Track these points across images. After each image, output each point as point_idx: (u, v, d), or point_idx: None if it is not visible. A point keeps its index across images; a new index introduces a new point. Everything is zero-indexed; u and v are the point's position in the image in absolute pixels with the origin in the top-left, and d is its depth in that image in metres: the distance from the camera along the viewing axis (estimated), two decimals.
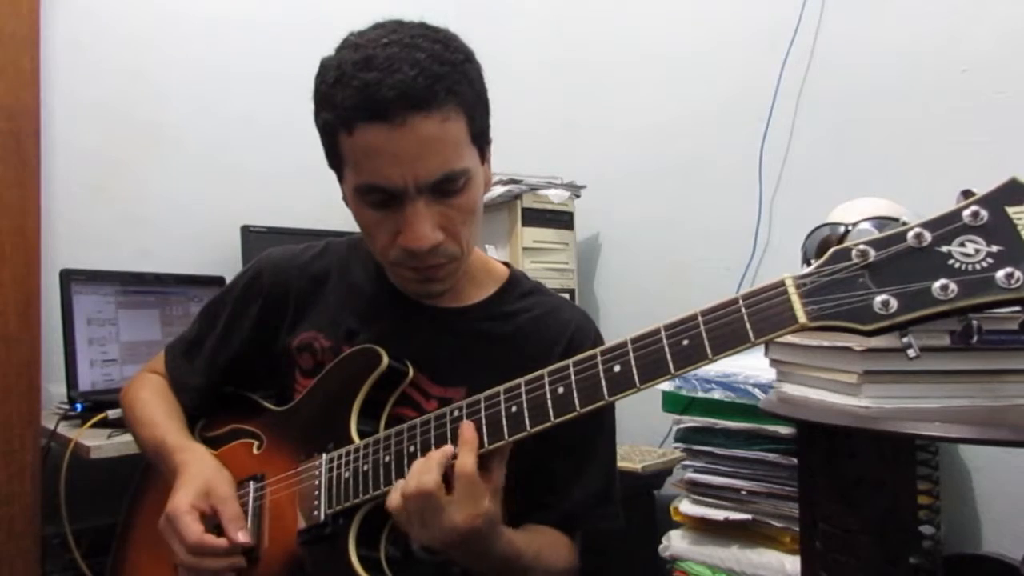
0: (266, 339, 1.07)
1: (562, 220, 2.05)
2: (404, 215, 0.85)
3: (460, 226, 0.89)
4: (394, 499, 0.80)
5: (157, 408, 1.09)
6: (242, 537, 0.90)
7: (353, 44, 0.85)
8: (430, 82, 0.81)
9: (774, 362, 1.02)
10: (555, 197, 2.00)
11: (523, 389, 0.78)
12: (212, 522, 0.92)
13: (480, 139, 0.90)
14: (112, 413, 1.53)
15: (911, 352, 0.60)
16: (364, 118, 0.81)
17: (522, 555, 0.86)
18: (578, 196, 2.08)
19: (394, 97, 0.79)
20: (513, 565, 0.85)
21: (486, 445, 0.79)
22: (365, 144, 0.83)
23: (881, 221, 1.00)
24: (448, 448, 0.80)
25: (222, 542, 0.89)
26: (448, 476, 0.78)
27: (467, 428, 0.79)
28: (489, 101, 0.92)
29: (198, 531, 0.89)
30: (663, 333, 0.70)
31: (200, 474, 0.96)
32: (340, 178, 0.93)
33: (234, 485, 0.97)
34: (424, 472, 0.78)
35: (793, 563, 1.25)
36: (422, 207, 0.85)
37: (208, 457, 1.00)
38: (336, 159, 0.90)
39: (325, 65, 0.86)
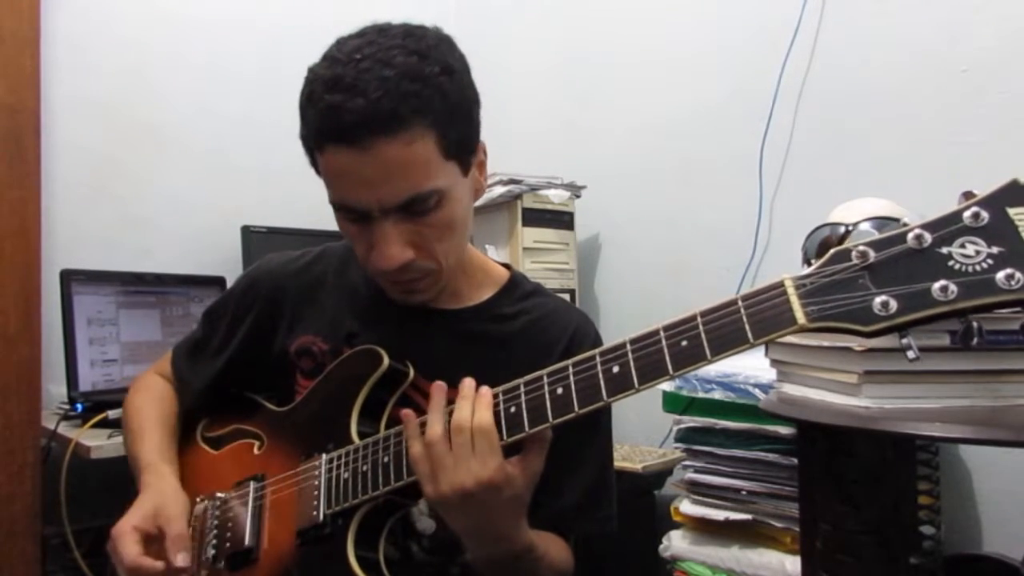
0: (264, 344, 1.07)
1: (562, 220, 2.05)
2: (373, 234, 0.86)
3: (435, 243, 0.88)
4: (418, 450, 0.79)
5: (144, 418, 1.09)
6: (180, 560, 0.88)
7: (331, 57, 0.85)
8: (394, 104, 0.79)
9: (774, 362, 1.02)
10: (555, 197, 2.00)
11: (522, 390, 0.78)
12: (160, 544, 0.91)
13: (459, 152, 0.88)
14: (112, 413, 1.53)
15: (910, 354, 0.60)
16: (329, 140, 0.82)
17: (535, 548, 0.86)
18: (578, 196, 2.08)
19: (355, 121, 0.79)
20: (527, 556, 0.85)
21: None
22: (332, 165, 0.84)
23: (881, 221, 1.00)
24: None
25: (159, 565, 0.88)
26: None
27: (483, 388, 0.79)
28: (473, 109, 0.90)
29: (134, 553, 0.87)
30: (662, 334, 0.70)
31: (152, 497, 0.95)
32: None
33: (187, 507, 0.97)
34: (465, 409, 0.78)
35: (793, 563, 1.26)
36: (389, 228, 0.85)
37: (169, 479, 1.00)
38: (317, 171, 0.91)
39: (306, 78, 0.86)
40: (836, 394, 0.88)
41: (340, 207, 0.87)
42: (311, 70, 0.86)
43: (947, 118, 1.50)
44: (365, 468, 0.87)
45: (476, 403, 0.79)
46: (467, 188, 0.92)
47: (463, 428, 0.77)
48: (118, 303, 1.78)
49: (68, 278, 1.71)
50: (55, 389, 1.73)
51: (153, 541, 0.90)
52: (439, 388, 0.82)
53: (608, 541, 1.00)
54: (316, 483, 0.92)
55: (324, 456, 0.93)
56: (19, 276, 1.63)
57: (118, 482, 1.20)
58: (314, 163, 0.90)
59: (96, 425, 1.54)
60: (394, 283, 0.93)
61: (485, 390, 0.80)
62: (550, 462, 0.94)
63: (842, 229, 1.05)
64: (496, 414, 0.79)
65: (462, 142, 0.88)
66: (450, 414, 0.80)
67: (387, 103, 0.79)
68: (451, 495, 0.77)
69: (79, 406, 1.61)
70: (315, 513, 0.90)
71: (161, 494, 0.96)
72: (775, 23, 1.75)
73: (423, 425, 0.81)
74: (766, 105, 1.77)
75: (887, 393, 0.84)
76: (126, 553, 0.88)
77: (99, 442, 1.47)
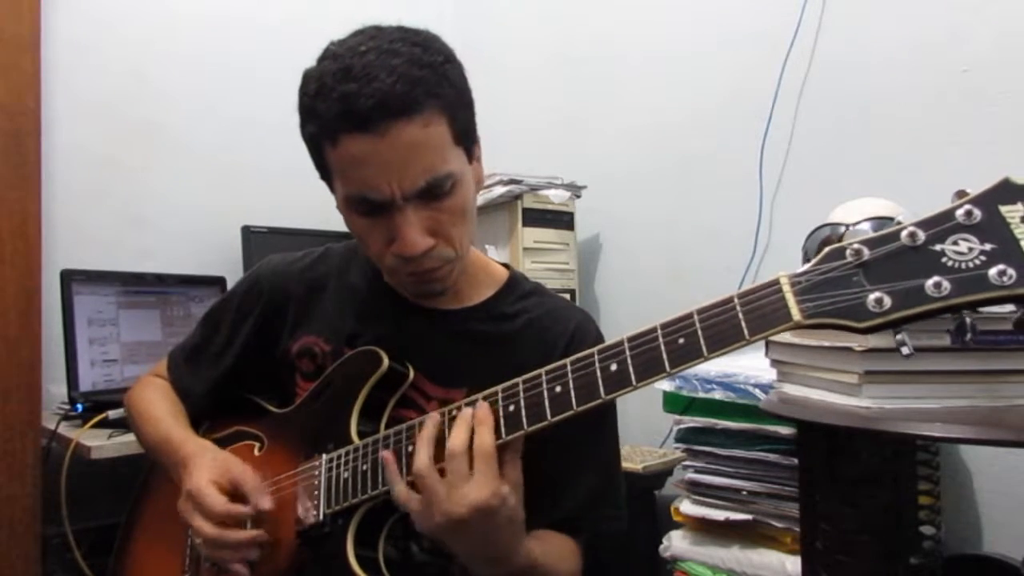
0: (266, 346, 1.07)
1: (562, 220, 2.05)
2: (394, 223, 0.85)
3: (451, 228, 0.89)
4: (401, 490, 0.82)
5: (162, 406, 1.10)
6: (266, 504, 0.91)
7: (332, 54, 0.85)
8: (408, 87, 0.80)
9: (775, 362, 1.02)
10: (555, 197, 2.00)
11: (521, 388, 0.78)
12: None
13: (465, 139, 0.90)
14: (113, 413, 1.54)
15: (904, 350, 0.60)
16: (346, 129, 0.81)
17: (536, 563, 0.86)
18: (578, 196, 2.08)
19: (373, 106, 0.79)
20: (530, 574, 0.85)
21: None
22: (349, 155, 0.83)
23: (881, 221, 1.01)
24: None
25: (248, 509, 0.91)
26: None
27: (482, 408, 0.79)
28: (473, 100, 0.92)
29: (223, 501, 0.90)
30: (659, 332, 0.70)
31: (212, 456, 0.98)
32: (331, 187, 0.93)
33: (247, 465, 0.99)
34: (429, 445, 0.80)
35: (794, 563, 1.25)
36: (411, 214, 0.85)
37: (216, 447, 1.02)
38: (324, 169, 0.90)
39: (307, 77, 0.87)
40: (836, 394, 0.88)
41: (357, 199, 0.86)
42: (309, 71, 0.87)
43: (947, 118, 1.50)
44: (365, 468, 0.87)
45: (476, 426, 0.78)
46: (472, 177, 0.93)
47: (457, 453, 0.77)
48: (118, 303, 1.79)
49: (68, 278, 1.71)
50: (55, 389, 1.73)
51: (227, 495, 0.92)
52: (432, 420, 0.83)
53: (608, 540, 1.00)
54: (316, 483, 0.92)
55: (324, 456, 0.93)
56: (19, 276, 1.64)
57: (119, 482, 1.20)
58: (321, 161, 0.89)
59: (96, 425, 1.54)
60: (412, 275, 0.91)
61: (485, 412, 0.79)
62: (558, 461, 0.95)
63: (842, 229, 1.05)
64: (495, 413, 0.79)
65: (467, 130, 0.90)
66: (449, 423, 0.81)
67: (401, 87, 0.80)
68: (446, 524, 0.77)
69: (79, 406, 1.61)
70: (315, 513, 0.90)
71: (217, 452, 0.99)
72: (775, 23, 1.75)
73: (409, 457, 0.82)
74: (766, 105, 1.77)
75: (887, 393, 0.84)
76: (214, 503, 0.90)
77: (99, 442, 1.47)
